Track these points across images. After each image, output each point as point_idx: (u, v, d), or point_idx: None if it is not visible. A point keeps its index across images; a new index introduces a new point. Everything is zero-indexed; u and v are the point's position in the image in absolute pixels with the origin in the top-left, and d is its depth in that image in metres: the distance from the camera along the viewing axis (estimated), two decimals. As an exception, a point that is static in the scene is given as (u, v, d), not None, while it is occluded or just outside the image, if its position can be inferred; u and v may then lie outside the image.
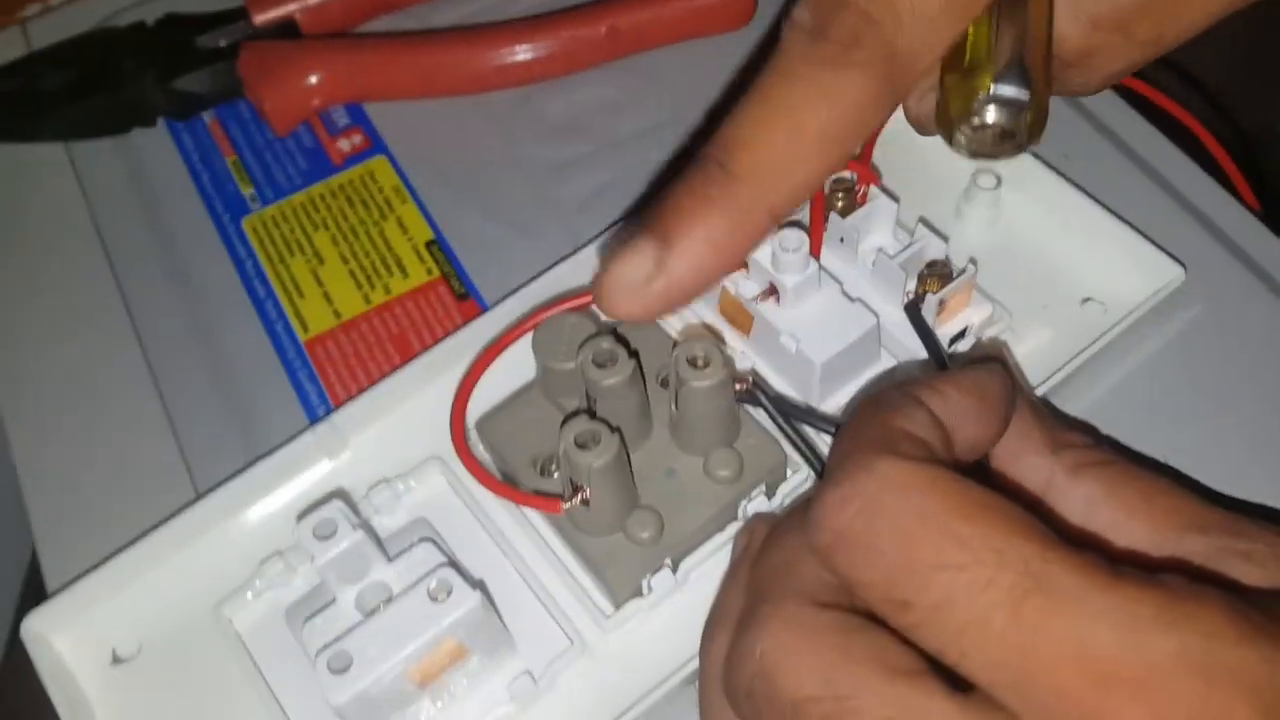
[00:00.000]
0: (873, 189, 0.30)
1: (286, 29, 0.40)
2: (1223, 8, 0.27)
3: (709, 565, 0.27)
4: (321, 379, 0.33)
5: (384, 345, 0.33)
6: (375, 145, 0.38)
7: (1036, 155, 0.32)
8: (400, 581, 0.25)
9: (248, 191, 0.37)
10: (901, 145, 0.31)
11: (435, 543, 0.26)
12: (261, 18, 0.39)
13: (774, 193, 0.22)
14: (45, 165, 0.39)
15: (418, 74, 0.38)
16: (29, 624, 0.27)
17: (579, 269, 0.32)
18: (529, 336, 0.28)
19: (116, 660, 0.28)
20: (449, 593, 0.24)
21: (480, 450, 0.29)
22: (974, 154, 0.25)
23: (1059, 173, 0.32)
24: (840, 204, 0.30)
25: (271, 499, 0.29)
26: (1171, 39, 0.27)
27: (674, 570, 0.27)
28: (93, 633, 0.28)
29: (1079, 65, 0.27)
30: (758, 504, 0.27)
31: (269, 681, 0.26)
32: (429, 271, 0.35)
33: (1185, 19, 0.27)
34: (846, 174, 0.31)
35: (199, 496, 0.29)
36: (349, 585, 0.26)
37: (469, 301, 0.34)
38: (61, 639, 0.27)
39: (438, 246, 0.35)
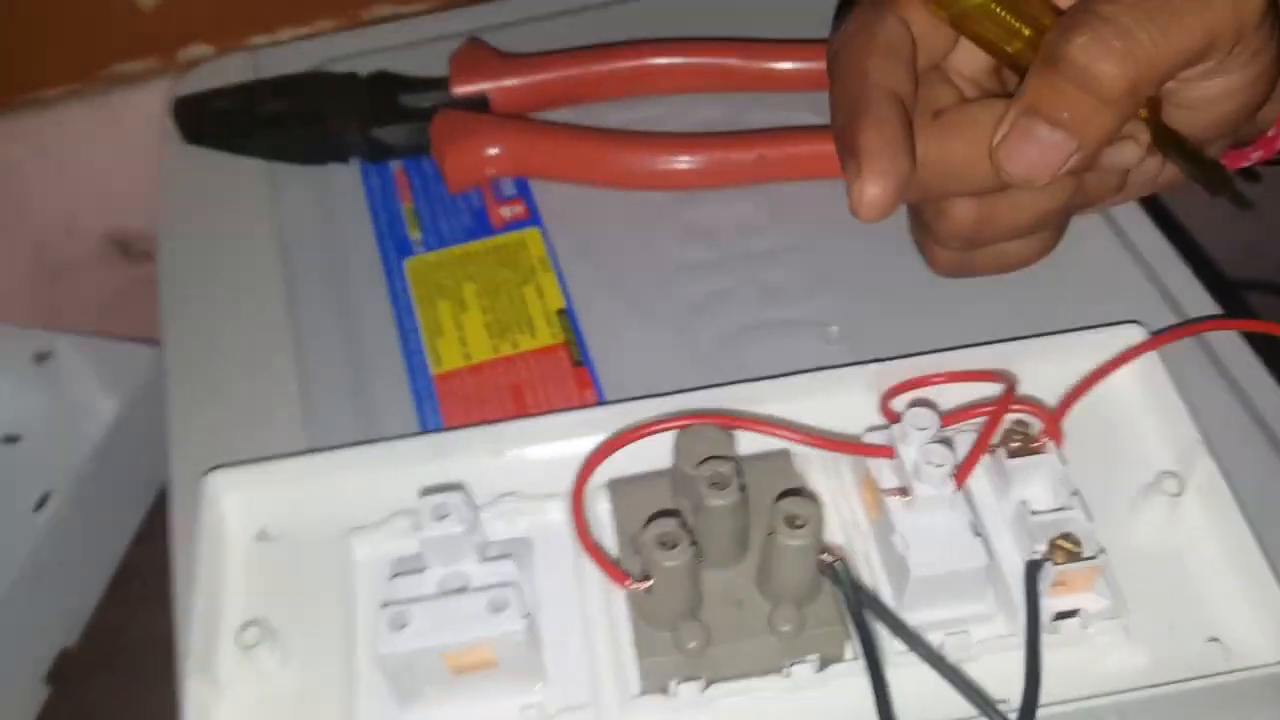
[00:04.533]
0: (1050, 444, 0.31)
1: (478, 103, 0.45)
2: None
3: (736, 700, 0.29)
4: (442, 409, 0.37)
5: (502, 393, 0.38)
6: (532, 218, 0.43)
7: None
8: (477, 581, 0.29)
9: (415, 236, 0.43)
10: (1103, 423, 0.32)
11: (521, 564, 0.30)
12: (460, 90, 0.45)
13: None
14: (247, 176, 0.46)
15: (582, 163, 0.43)
16: (212, 479, 0.33)
17: (759, 394, 0.34)
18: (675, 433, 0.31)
19: (261, 536, 0.33)
20: (504, 610, 0.28)
21: (602, 506, 0.32)
22: None
23: (1244, 507, 0.31)
24: (1014, 445, 0.31)
25: (429, 467, 0.34)
26: None
27: (704, 688, 0.29)
28: (253, 508, 0.33)
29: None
30: (804, 670, 0.29)
31: (356, 606, 0.31)
32: (554, 336, 0.39)
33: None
34: (1031, 420, 0.31)
35: (371, 441, 0.34)
36: (438, 564, 0.30)
37: (583, 369, 0.38)
38: (229, 500, 0.33)
39: (566, 316, 0.40)
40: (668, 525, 0.27)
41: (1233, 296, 0.49)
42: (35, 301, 0.72)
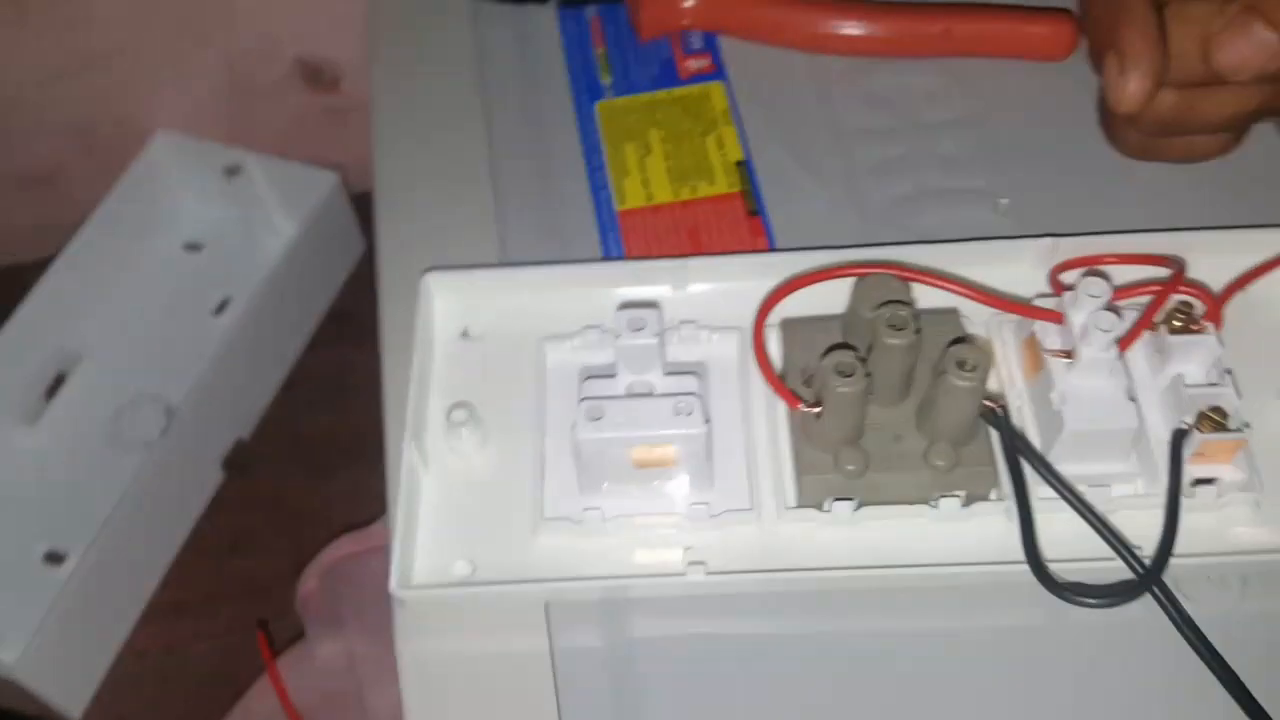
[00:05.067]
0: (1210, 327, 0.33)
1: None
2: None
3: (884, 524, 0.32)
4: (624, 242, 0.40)
5: (679, 233, 0.40)
6: (718, 72, 0.45)
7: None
8: (663, 389, 0.32)
9: (606, 81, 0.45)
10: (1262, 316, 0.33)
11: (700, 380, 0.33)
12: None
13: None
14: (451, 11, 0.48)
15: (772, 23, 0.45)
16: (429, 278, 0.37)
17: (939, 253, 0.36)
18: (850, 280, 0.33)
19: (464, 335, 0.37)
20: (689, 414, 0.31)
21: (774, 341, 0.35)
22: None
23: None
24: (1177, 323, 0.33)
25: (621, 290, 0.37)
26: None
27: (856, 508, 0.32)
28: (461, 307, 0.37)
29: None
30: (950, 504, 0.32)
31: (546, 403, 0.35)
32: (731, 185, 0.41)
33: None
34: (1195, 303, 0.33)
35: (567, 262, 0.38)
36: (629, 372, 0.33)
37: (757, 219, 0.40)
38: (442, 300, 0.37)
39: (744, 167, 0.42)
40: (846, 355, 0.30)
41: None
42: (228, 118, 0.77)
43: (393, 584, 0.31)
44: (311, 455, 0.66)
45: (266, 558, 0.64)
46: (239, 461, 0.71)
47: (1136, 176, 0.40)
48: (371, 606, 0.46)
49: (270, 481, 0.70)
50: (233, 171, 0.75)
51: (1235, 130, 0.38)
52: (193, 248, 0.81)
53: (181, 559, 0.69)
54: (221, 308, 0.76)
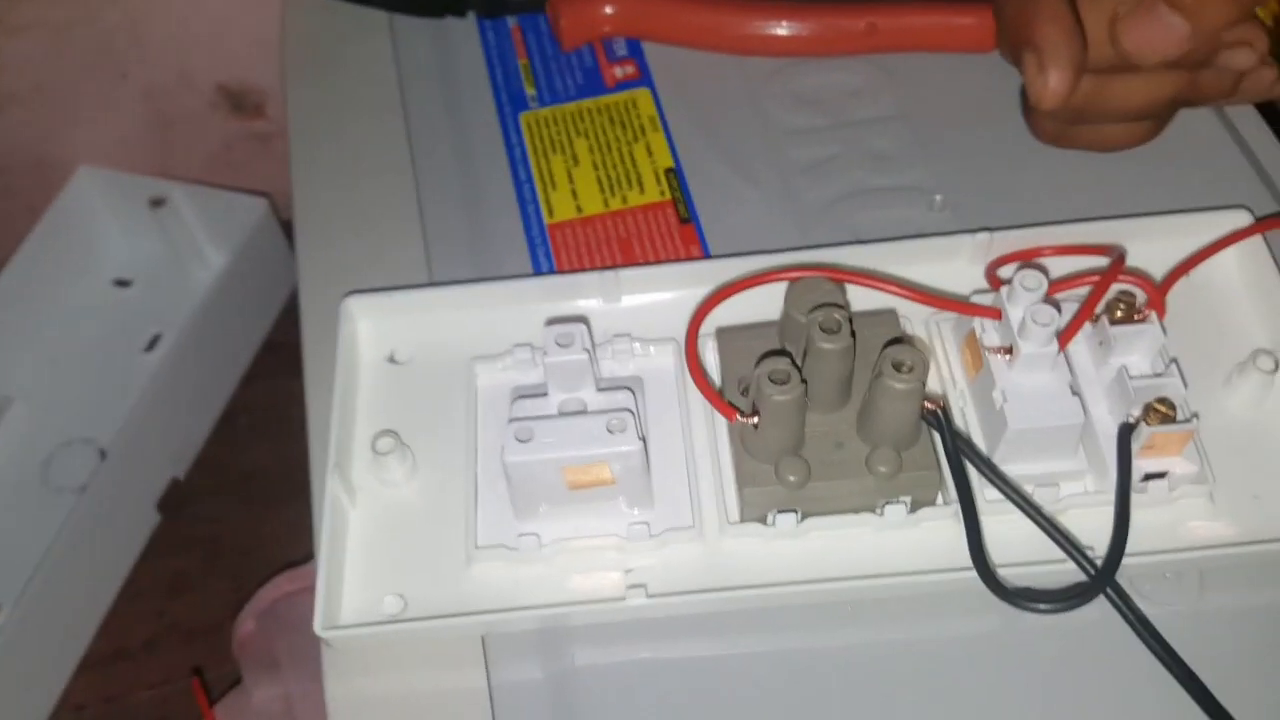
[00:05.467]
0: (1152, 315, 0.32)
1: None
2: None
3: (829, 534, 0.31)
4: (555, 256, 0.39)
5: (611, 244, 0.39)
6: (644, 78, 0.44)
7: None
8: (595, 406, 0.31)
9: (530, 91, 0.44)
10: (1205, 301, 0.33)
11: (635, 396, 0.32)
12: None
13: None
14: (368, 28, 0.47)
15: (695, 27, 0.44)
16: (350, 302, 0.35)
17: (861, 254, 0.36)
18: (783, 286, 0.32)
19: (391, 360, 0.36)
20: (623, 431, 0.30)
21: (711, 352, 0.34)
22: None
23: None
24: (1118, 314, 0.32)
25: (549, 305, 0.36)
26: None
27: (800, 519, 0.31)
28: (386, 331, 0.36)
29: None
30: (896, 511, 0.30)
31: (478, 427, 0.33)
32: (662, 193, 0.41)
33: None
34: (1137, 292, 0.32)
35: (495, 279, 0.36)
36: (560, 390, 0.32)
37: (689, 226, 0.39)
38: (365, 324, 0.36)
39: (674, 174, 0.41)
40: (780, 363, 0.29)
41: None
42: (151, 151, 0.75)
43: (317, 625, 0.29)
44: (249, 491, 0.64)
45: (206, 599, 0.62)
46: (174, 502, 0.69)
47: (1073, 167, 0.39)
48: (307, 647, 0.44)
49: (207, 521, 0.67)
50: (157, 203, 0.73)
51: (1152, 119, 0.38)
52: (122, 284, 0.79)
53: (118, 605, 0.66)
54: (153, 344, 0.74)
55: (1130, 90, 0.35)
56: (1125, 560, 0.29)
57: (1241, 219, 0.35)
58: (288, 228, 0.74)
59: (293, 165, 0.44)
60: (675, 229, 0.40)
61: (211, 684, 0.51)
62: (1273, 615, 0.30)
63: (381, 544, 0.32)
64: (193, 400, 0.72)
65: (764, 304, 0.33)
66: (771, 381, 0.29)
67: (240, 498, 0.66)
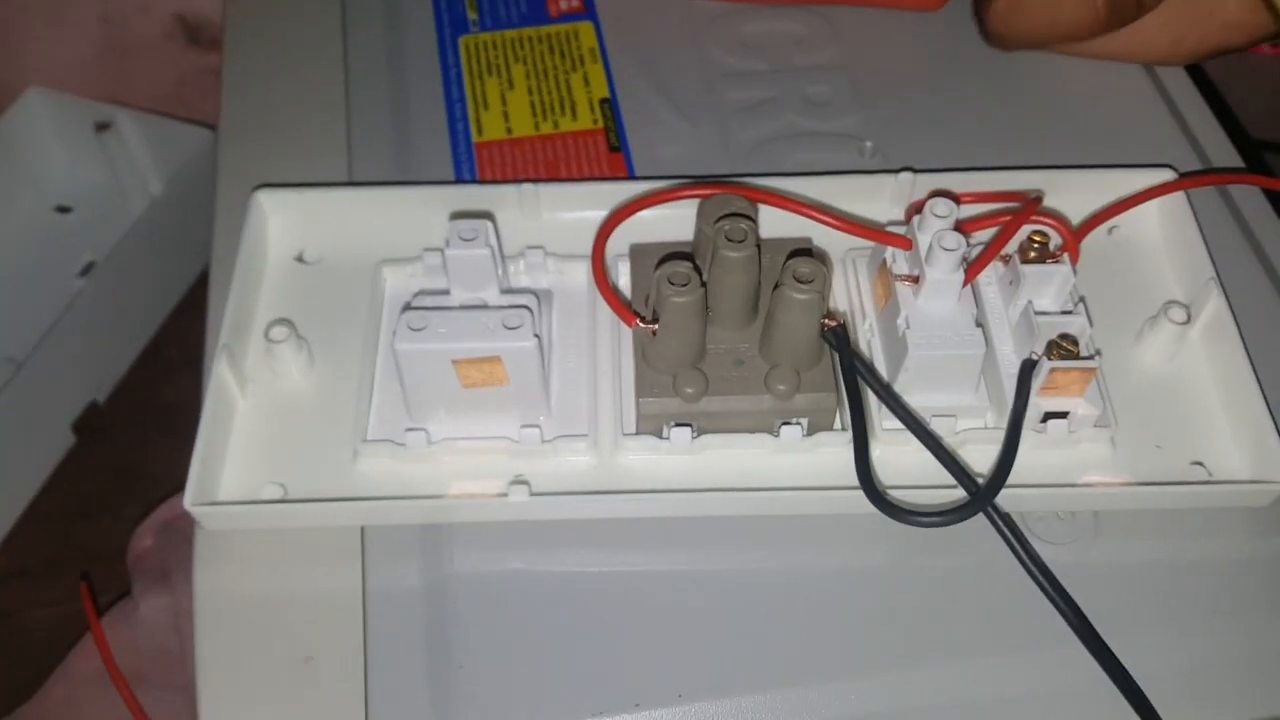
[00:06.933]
0: (1065, 258, 0.32)
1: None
2: None
3: (724, 452, 0.30)
4: (479, 173, 0.39)
5: (537, 165, 0.39)
6: (588, 11, 0.44)
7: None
8: (496, 306, 0.31)
9: (472, 16, 0.44)
10: (1126, 257, 0.33)
11: (541, 310, 0.31)
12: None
13: None
14: None
15: None
16: (260, 195, 0.34)
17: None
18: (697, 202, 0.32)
19: (299, 259, 0.35)
20: (518, 327, 0.29)
21: (625, 271, 0.33)
22: None
23: (1246, 346, 0.31)
24: (1031, 254, 0.32)
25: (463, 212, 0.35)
26: None
27: (695, 435, 0.30)
28: (296, 230, 0.35)
29: None
30: (793, 433, 0.30)
31: (380, 329, 0.33)
32: (595, 122, 0.40)
33: None
34: (1051, 234, 0.32)
35: (413, 183, 0.36)
36: (462, 289, 0.31)
37: (619, 155, 0.39)
38: (275, 220, 0.35)
39: (609, 105, 0.41)
40: (680, 265, 0.29)
41: (1256, 156, 0.49)
42: (103, 76, 0.73)
43: (188, 499, 0.28)
44: (171, 423, 0.62)
45: (115, 524, 0.60)
46: (91, 425, 0.67)
47: (1005, 124, 0.39)
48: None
49: (124, 447, 0.66)
50: (103, 127, 0.71)
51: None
52: (63, 210, 0.77)
53: (24, 524, 0.64)
54: (86, 270, 0.72)
55: None
56: (1017, 492, 0.29)
57: (1166, 176, 0.35)
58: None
59: (225, 66, 0.43)
60: (604, 157, 0.39)
61: (113, 606, 0.50)
62: (1163, 568, 0.30)
63: (268, 433, 0.31)
64: (118, 325, 0.70)
65: (685, 229, 0.33)
66: (670, 283, 0.28)
67: (160, 428, 0.64)
